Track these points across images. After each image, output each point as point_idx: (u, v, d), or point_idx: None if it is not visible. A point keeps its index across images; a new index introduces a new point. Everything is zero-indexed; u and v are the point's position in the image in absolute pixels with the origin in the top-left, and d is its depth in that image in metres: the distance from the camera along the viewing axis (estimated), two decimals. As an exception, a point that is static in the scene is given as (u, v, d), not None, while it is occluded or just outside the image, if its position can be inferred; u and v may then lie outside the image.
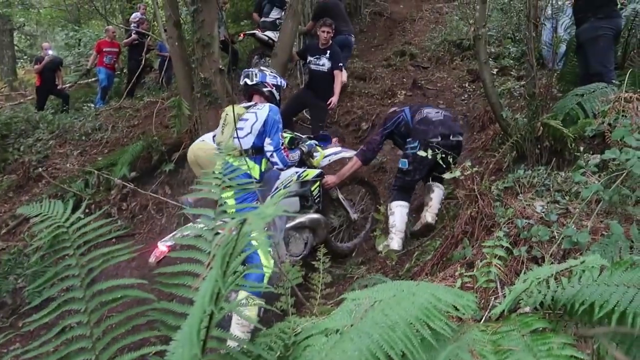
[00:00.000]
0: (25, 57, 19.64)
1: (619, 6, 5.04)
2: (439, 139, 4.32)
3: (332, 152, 4.68)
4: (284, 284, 2.56)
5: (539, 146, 3.85)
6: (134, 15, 11.38)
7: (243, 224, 0.92)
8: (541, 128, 3.82)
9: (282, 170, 3.90)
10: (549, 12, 6.49)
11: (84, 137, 8.32)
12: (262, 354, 1.44)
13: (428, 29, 10.42)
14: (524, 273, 1.84)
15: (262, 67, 4.18)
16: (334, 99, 6.23)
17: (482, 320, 1.77)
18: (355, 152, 4.78)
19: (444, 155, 3.78)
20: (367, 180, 5.24)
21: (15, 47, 18.60)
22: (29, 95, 13.43)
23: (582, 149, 3.55)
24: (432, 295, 1.36)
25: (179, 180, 6.33)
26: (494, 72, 7.31)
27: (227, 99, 5.84)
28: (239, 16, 11.88)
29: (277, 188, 4.13)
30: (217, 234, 1.62)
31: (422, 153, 3.94)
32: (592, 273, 1.49)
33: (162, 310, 1.62)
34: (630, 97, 3.26)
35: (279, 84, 4.10)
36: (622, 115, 3.19)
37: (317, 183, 4.47)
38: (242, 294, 3.09)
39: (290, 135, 4.54)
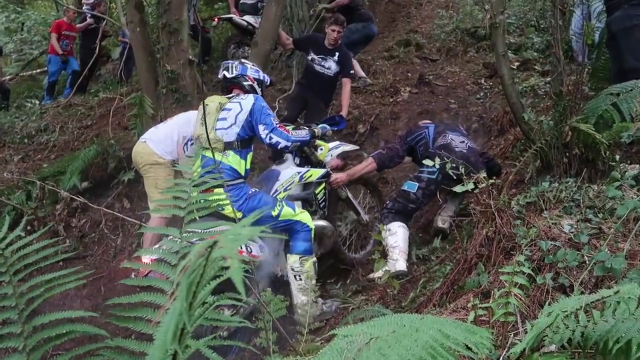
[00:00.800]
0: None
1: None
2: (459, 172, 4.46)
3: (333, 145, 4.87)
4: (264, 317, 2.55)
5: (567, 154, 3.87)
6: (87, -6, 11.35)
7: (212, 247, 0.92)
8: (570, 133, 3.84)
9: (287, 148, 4.06)
10: (579, -5, 6.56)
11: (26, 140, 8.28)
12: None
13: (437, 14, 10.51)
14: (549, 305, 1.85)
15: (242, 60, 4.35)
16: (343, 113, 6.24)
17: (499, 361, 1.78)
18: (357, 148, 5.05)
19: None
20: (373, 182, 5.38)
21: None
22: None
23: (617, 157, 3.57)
24: (440, 332, 1.36)
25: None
26: (515, 67, 7.38)
27: (198, 95, 5.85)
28: (212, -3, 11.93)
29: (276, 191, 4.27)
30: (184, 257, 1.62)
31: (428, 162, 3.99)
32: (628, 305, 1.50)
33: (116, 349, 1.61)
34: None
35: (261, 78, 4.27)
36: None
37: (323, 185, 4.61)
38: (293, 257, 4.01)
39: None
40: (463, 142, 4.80)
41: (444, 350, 1.31)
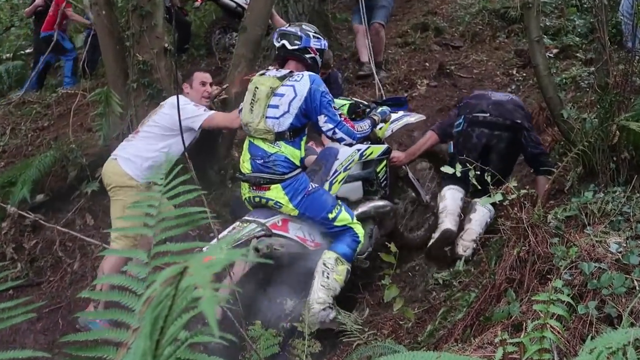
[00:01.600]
0: None
1: None
2: (487, 115, 4.84)
3: (395, 117, 5.08)
4: (252, 356, 2.54)
5: (614, 158, 3.87)
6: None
7: (182, 274, 0.92)
8: (617, 133, 3.85)
9: (352, 145, 4.29)
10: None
11: (-30, 145, 8.28)
12: None
13: (460, -7, 10.55)
14: (592, 339, 1.84)
15: (303, 26, 4.42)
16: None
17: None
18: (422, 117, 5.42)
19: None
20: (440, 155, 5.58)
21: None
22: None
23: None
24: (459, 373, 1.35)
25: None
26: (552, 54, 7.39)
27: (175, 90, 5.84)
28: (193, -26, 11.96)
29: (336, 171, 4.49)
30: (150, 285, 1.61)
31: (447, 169, 4.01)
32: (685, 340, 1.50)
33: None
34: None
35: (322, 47, 4.41)
36: None
37: (384, 162, 4.88)
38: (331, 254, 4.22)
39: (349, 102, 4.88)
40: (506, 95, 5.21)
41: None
